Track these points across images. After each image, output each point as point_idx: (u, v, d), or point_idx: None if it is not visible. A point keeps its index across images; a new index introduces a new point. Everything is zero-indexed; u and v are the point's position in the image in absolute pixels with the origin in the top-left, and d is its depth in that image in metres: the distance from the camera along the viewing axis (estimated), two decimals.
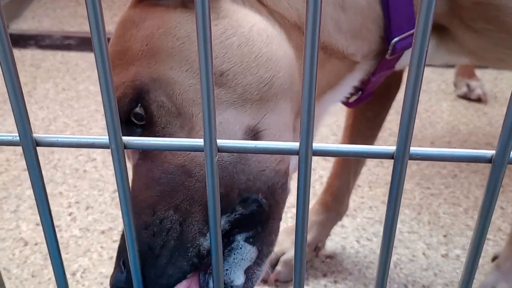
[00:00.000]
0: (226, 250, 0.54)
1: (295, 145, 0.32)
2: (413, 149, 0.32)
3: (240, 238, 0.55)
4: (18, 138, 0.33)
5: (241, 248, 0.55)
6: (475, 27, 0.65)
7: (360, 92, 0.73)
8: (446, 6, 0.64)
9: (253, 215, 0.55)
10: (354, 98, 0.75)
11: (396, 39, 0.64)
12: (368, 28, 0.64)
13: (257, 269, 0.56)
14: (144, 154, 0.56)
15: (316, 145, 0.32)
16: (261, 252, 0.56)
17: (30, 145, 0.33)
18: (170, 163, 0.54)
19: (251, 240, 0.55)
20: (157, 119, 0.54)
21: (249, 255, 0.55)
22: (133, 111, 0.54)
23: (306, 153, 0.31)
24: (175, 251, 0.52)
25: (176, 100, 0.53)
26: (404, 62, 0.70)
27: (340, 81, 0.67)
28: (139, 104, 0.54)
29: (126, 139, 0.32)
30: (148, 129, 0.55)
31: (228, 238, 0.54)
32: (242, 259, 0.55)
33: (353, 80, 0.69)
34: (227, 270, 0.54)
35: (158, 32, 0.55)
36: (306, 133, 0.31)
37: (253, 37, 0.56)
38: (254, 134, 0.56)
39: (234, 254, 0.55)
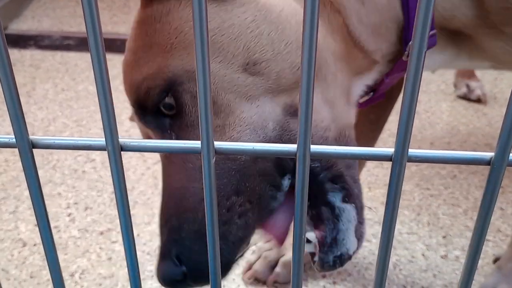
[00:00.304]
0: (334, 219, 0.55)
1: (293, 147, 0.32)
2: (412, 151, 0.31)
3: (336, 200, 0.55)
4: (14, 140, 0.32)
5: (343, 210, 0.55)
6: (506, 31, 0.65)
7: (372, 93, 0.73)
8: (471, 12, 0.64)
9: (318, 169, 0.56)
10: (365, 98, 0.75)
11: None
12: (387, 27, 0.64)
13: (362, 228, 0.56)
14: None
15: (314, 147, 0.32)
16: (358, 209, 0.56)
17: (26, 147, 0.32)
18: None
19: (346, 199, 0.56)
20: (191, 108, 0.55)
21: (351, 214, 0.56)
22: (163, 101, 0.55)
23: (304, 155, 0.31)
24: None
25: (211, 90, 0.55)
26: None
27: (359, 79, 0.68)
28: (169, 95, 0.55)
29: (123, 141, 0.32)
30: (179, 118, 0.56)
31: (326, 206, 0.55)
32: (348, 221, 0.55)
33: (369, 79, 0.69)
34: (343, 240, 0.55)
35: (187, 25, 0.55)
36: (304, 135, 0.31)
37: (283, 23, 0.56)
38: (293, 110, 0.56)
39: (342, 219, 0.55)
